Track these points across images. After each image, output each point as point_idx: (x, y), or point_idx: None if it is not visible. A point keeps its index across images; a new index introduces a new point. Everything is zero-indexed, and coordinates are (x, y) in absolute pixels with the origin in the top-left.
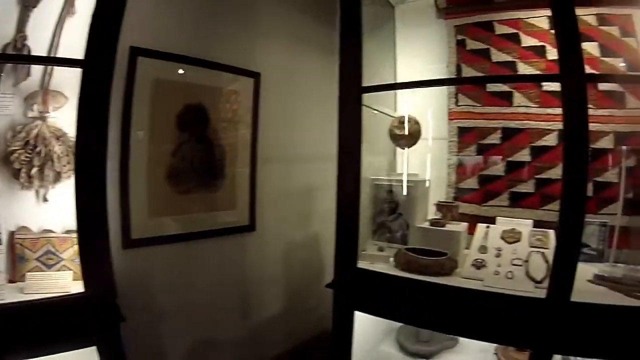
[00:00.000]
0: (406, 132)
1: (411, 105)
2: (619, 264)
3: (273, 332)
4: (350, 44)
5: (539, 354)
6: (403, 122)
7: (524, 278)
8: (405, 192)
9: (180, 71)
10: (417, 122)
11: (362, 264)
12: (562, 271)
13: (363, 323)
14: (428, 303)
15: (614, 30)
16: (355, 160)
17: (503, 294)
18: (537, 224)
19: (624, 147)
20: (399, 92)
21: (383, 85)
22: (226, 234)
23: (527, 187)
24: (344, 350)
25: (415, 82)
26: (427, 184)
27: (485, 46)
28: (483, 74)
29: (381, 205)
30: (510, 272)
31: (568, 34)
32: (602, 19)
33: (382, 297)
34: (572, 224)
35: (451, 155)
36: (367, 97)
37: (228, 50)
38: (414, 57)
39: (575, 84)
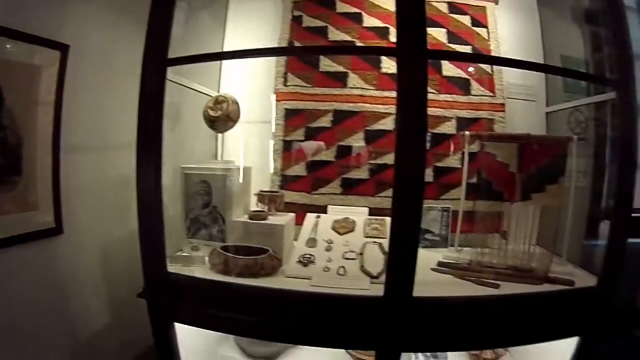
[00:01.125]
0: (222, 114)
1: (236, 84)
2: (464, 248)
3: (105, 347)
4: (159, 9)
5: (384, 355)
6: (219, 103)
7: (359, 273)
8: (220, 182)
9: None
10: (235, 102)
11: (175, 268)
12: (400, 264)
13: None
14: (250, 309)
15: (465, 20)
16: (156, 144)
17: (334, 294)
18: (373, 212)
19: (467, 133)
20: (224, 70)
21: (190, 56)
22: (28, 240)
23: (361, 174)
24: None
25: (219, 53)
26: (246, 172)
27: (324, 24)
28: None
29: (194, 198)
30: (342, 267)
31: (410, 4)
32: (454, 7)
33: (199, 305)
34: (408, 212)
35: (277, 140)
36: (188, 75)
37: (31, 17)
38: (246, 33)
39: (414, 58)
